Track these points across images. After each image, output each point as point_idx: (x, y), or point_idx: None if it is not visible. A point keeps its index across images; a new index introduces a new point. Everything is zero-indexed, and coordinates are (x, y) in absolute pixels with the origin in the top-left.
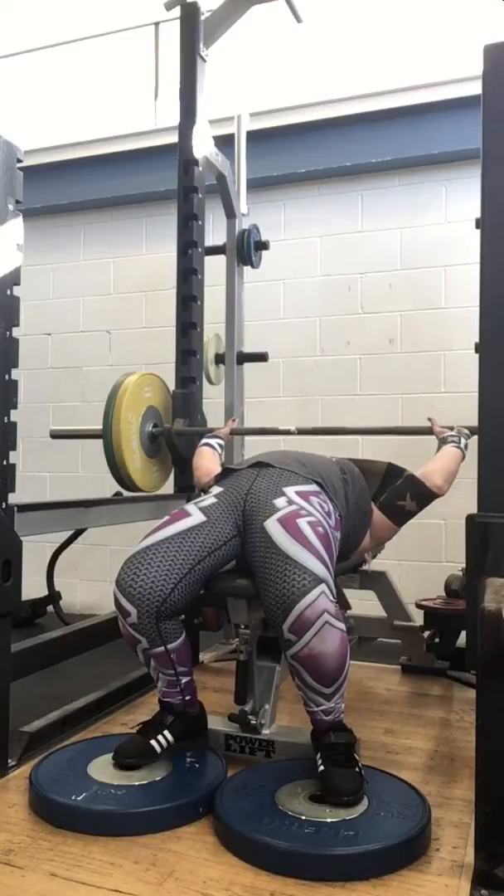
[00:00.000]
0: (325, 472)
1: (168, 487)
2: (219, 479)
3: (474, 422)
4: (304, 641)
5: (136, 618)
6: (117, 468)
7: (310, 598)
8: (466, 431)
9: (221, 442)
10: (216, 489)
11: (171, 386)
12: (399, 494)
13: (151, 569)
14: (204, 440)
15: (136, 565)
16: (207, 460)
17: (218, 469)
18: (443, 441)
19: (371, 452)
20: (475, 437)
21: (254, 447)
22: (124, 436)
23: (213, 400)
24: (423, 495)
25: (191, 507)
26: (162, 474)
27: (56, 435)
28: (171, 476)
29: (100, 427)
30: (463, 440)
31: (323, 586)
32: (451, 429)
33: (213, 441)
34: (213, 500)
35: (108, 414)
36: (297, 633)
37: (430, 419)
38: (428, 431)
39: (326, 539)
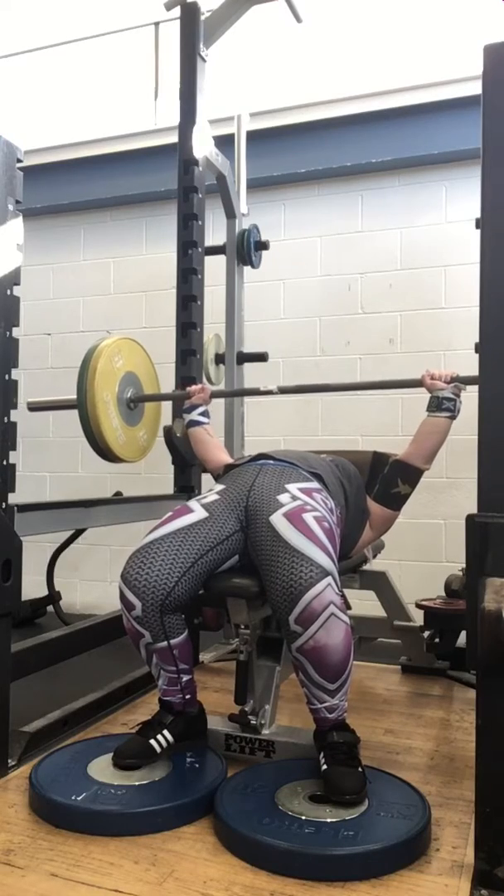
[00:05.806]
0: (323, 470)
1: (168, 487)
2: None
3: (474, 422)
4: (311, 633)
5: (140, 611)
6: (94, 438)
7: (317, 589)
8: (463, 387)
9: (205, 409)
10: (218, 486)
11: (167, 383)
12: (391, 482)
13: (156, 563)
14: (189, 419)
15: (141, 559)
16: (213, 449)
17: (226, 458)
18: (434, 406)
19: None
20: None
21: (254, 449)
22: (100, 405)
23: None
24: (413, 475)
25: (193, 503)
26: (147, 442)
27: (34, 407)
28: (171, 478)
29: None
30: (457, 403)
31: (329, 579)
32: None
33: (199, 417)
34: (216, 496)
35: (81, 384)
36: (304, 624)
37: (423, 375)
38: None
39: (331, 533)
